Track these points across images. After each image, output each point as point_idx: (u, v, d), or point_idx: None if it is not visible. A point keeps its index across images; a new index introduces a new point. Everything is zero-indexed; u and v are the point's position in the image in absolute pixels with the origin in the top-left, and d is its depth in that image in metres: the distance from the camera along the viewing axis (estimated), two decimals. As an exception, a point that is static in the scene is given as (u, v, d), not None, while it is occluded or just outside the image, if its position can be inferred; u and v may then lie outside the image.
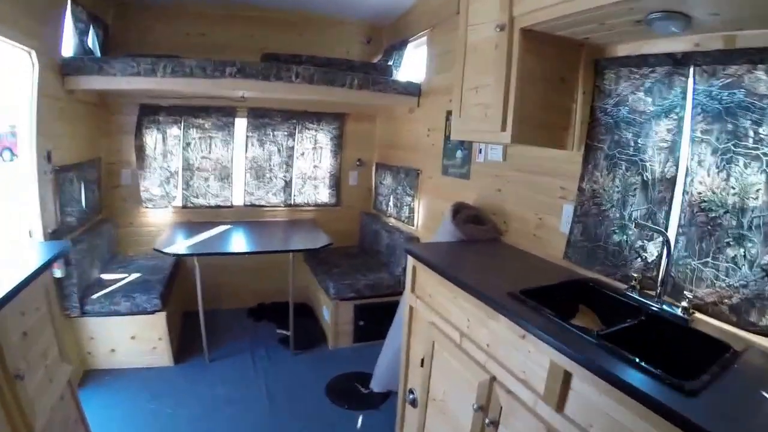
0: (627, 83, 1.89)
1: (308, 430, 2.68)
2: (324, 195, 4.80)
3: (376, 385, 2.99)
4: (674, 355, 1.56)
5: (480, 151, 2.79)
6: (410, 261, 2.28)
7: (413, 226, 3.80)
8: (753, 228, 1.52)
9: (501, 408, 1.64)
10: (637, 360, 1.25)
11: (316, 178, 4.73)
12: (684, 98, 1.69)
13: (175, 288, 3.69)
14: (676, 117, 1.72)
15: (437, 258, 2.17)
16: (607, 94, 1.96)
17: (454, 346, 1.92)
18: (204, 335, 3.43)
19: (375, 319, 3.63)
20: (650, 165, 1.82)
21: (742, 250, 1.54)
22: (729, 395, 1.15)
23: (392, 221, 4.33)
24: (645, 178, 1.83)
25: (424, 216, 3.54)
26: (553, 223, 2.26)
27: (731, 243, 1.57)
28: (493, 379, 1.68)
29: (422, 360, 2.15)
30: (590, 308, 1.89)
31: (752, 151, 1.52)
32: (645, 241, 1.84)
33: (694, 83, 1.66)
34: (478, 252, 2.38)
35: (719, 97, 1.60)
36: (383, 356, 2.92)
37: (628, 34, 1.79)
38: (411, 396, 2.21)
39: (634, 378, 1.17)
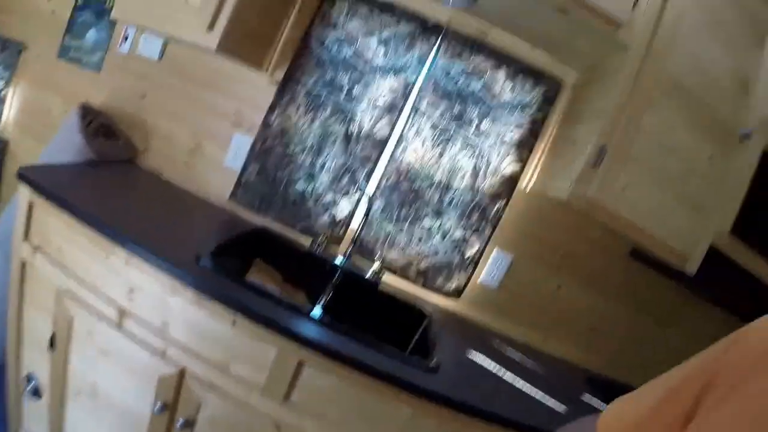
0: (362, 23, 1.66)
1: None
2: None
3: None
4: (370, 316, 1.57)
5: (126, 38, 1.81)
6: (24, 192, 1.27)
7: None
8: (452, 205, 1.69)
9: (199, 404, 1.17)
10: (378, 341, 1.19)
11: None
12: (420, 65, 1.65)
13: None
14: (405, 80, 1.66)
15: (72, 192, 1.31)
16: (333, 25, 1.66)
17: (108, 326, 1.21)
18: None
19: None
20: (361, 119, 1.68)
21: (438, 223, 1.69)
22: (453, 362, 1.29)
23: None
24: (350, 131, 1.68)
25: (23, 112, 2.00)
26: (216, 154, 1.76)
27: (429, 214, 1.69)
28: (182, 372, 1.17)
29: (52, 340, 1.26)
30: (266, 262, 1.61)
31: (471, 140, 1.67)
32: (338, 196, 1.71)
33: (436, 56, 1.65)
34: (115, 181, 1.63)
35: (457, 79, 1.65)
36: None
37: None
38: (30, 384, 1.29)
39: (380, 361, 1.12)
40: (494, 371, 1.38)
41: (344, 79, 1.66)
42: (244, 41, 1.50)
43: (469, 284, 1.73)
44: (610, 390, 1.63)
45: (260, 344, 1.11)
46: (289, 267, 1.63)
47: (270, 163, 1.70)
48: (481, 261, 1.73)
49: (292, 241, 1.69)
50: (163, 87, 1.81)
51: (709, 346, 0.56)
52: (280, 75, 1.68)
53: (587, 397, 1.51)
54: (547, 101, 1.70)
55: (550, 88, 1.69)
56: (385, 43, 1.65)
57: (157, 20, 1.43)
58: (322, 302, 1.55)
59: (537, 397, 1.33)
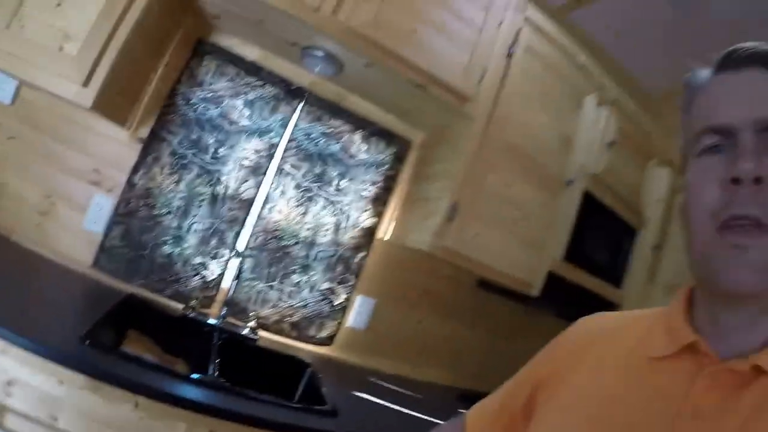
0: (229, 84, 1.67)
1: None
2: None
3: None
4: (255, 373, 1.60)
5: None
6: None
7: None
8: (317, 259, 1.79)
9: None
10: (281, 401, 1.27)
11: None
12: (284, 127, 1.74)
13: None
14: (269, 142, 1.73)
15: None
16: (200, 84, 1.64)
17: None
18: None
19: None
20: (227, 180, 1.69)
21: (305, 277, 1.78)
22: (345, 403, 1.41)
23: None
24: (217, 192, 1.68)
25: None
26: (72, 215, 1.59)
27: (297, 270, 1.77)
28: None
29: None
30: (141, 332, 1.55)
31: (332, 197, 1.80)
32: (208, 259, 1.69)
33: (299, 118, 1.76)
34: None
35: (318, 141, 1.78)
36: None
37: (260, 36, 1.65)
38: None
39: (289, 416, 1.20)
40: (383, 404, 1.54)
41: (210, 140, 1.66)
42: (116, 98, 1.42)
43: (340, 330, 1.85)
44: (471, 397, 1.88)
45: (168, 422, 1.08)
46: (164, 335, 1.57)
47: (135, 226, 1.59)
48: (348, 308, 1.86)
49: (164, 308, 1.60)
50: (15, 136, 1.54)
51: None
52: (143, 132, 1.60)
53: (463, 410, 1.74)
54: (398, 160, 1.92)
55: (400, 148, 1.91)
56: (250, 104, 1.70)
57: (19, 64, 1.27)
58: (214, 368, 1.52)
59: (426, 418, 1.55)
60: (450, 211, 1.62)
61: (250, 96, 1.70)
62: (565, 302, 2.01)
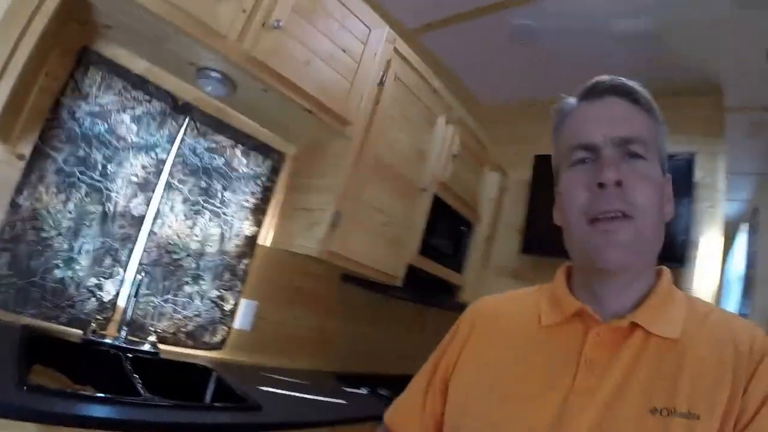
0: (116, 98, 1.62)
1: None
2: None
3: None
4: (165, 385, 1.64)
5: None
6: None
7: None
8: (206, 269, 1.88)
9: None
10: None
11: None
12: (171, 143, 1.76)
13: None
14: (156, 157, 1.74)
15: None
16: (84, 97, 1.56)
17: None
18: None
19: None
20: (117, 197, 1.67)
21: (197, 287, 1.85)
22: (260, 398, 1.58)
23: None
24: (108, 210, 1.64)
25: None
26: None
27: (189, 281, 1.84)
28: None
29: None
30: (44, 365, 1.48)
31: (217, 209, 1.89)
32: (102, 279, 1.66)
33: (185, 134, 1.79)
34: None
35: (202, 155, 1.84)
36: None
37: (152, 51, 1.64)
38: None
39: (225, 418, 1.36)
40: (286, 393, 1.76)
41: (98, 156, 1.61)
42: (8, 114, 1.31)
43: (230, 334, 1.97)
44: (355, 379, 2.24)
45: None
46: (69, 364, 1.51)
47: (22, 251, 1.49)
48: (236, 312, 1.98)
49: (62, 336, 1.54)
50: None
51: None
52: (23, 148, 1.49)
53: (345, 388, 2.10)
54: (274, 171, 2.07)
55: (275, 161, 2.06)
56: (138, 120, 1.68)
57: None
58: (140, 388, 1.50)
59: (323, 399, 1.83)
60: (334, 219, 1.85)
61: (138, 111, 1.68)
62: (421, 289, 2.40)
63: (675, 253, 2.16)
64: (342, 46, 1.81)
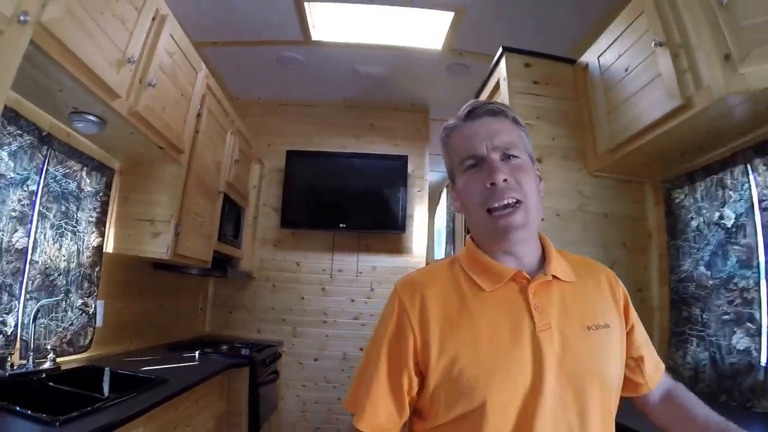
0: None
1: None
2: None
3: None
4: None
5: None
6: None
7: None
8: (72, 283, 2.08)
9: None
10: None
11: None
12: (38, 174, 1.87)
13: None
14: (28, 189, 1.84)
15: None
16: None
17: None
18: None
19: None
20: (1, 234, 1.72)
21: (68, 300, 2.05)
22: (158, 373, 2.13)
23: None
24: None
25: None
26: None
27: (63, 297, 2.01)
28: None
29: None
30: None
31: (74, 228, 2.13)
32: (4, 315, 1.72)
33: (47, 162, 1.91)
34: None
35: (60, 181, 1.99)
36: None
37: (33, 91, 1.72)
38: None
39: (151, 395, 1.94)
40: (161, 368, 2.20)
41: None
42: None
43: (96, 333, 2.22)
44: (182, 347, 2.78)
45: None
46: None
47: None
48: (95, 313, 2.23)
49: None
50: None
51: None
52: None
53: (184, 354, 2.60)
54: (108, 186, 2.33)
55: (109, 177, 2.32)
56: (14, 155, 1.77)
57: None
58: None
59: (184, 365, 2.34)
60: (176, 230, 2.33)
61: (13, 146, 1.76)
62: (219, 266, 3.03)
63: (398, 223, 3.48)
64: (183, 91, 2.26)
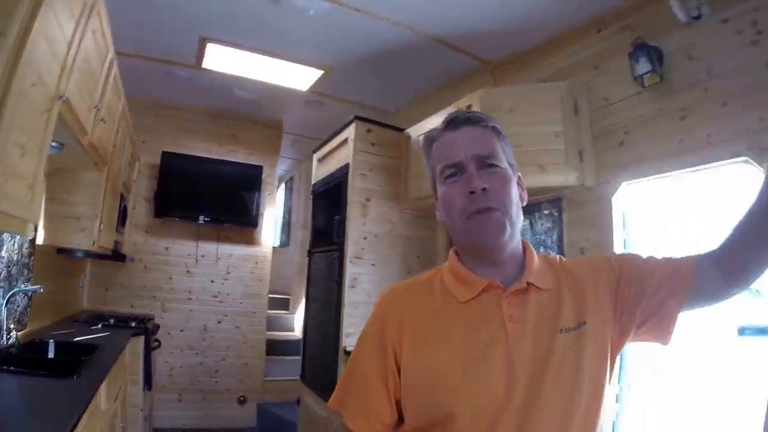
0: None
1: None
2: None
3: None
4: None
5: None
6: None
7: None
8: (18, 273, 2.52)
9: None
10: None
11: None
12: None
13: None
14: None
15: None
16: None
17: None
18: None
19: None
20: None
21: (18, 287, 2.49)
22: (92, 340, 2.78)
23: None
24: None
25: None
26: None
27: (15, 284, 2.46)
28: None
29: None
30: None
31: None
32: None
33: None
34: None
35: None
36: None
37: None
38: None
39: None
40: (94, 336, 2.78)
41: None
42: None
43: (31, 311, 2.69)
44: (90, 320, 3.31)
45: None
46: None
47: None
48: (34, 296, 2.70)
49: None
50: None
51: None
52: None
53: (94, 327, 3.14)
54: (39, 189, 2.77)
55: (42, 182, 2.77)
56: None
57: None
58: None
59: (104, 334, 2.93)
60: (99, 224, 2.90)
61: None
62: (114, 252, 3.56)
63: (251, 220, 4.38)
64: (114, 116, 2.83)
